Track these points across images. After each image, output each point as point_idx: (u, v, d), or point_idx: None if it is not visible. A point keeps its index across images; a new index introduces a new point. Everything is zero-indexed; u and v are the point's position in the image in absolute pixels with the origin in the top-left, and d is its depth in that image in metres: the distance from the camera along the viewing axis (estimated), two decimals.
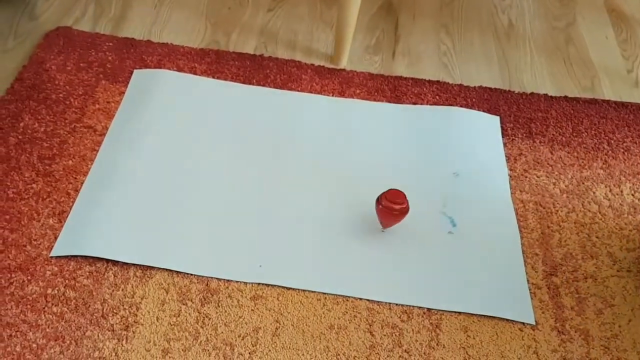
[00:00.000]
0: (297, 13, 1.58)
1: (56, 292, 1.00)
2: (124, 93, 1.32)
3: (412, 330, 1.00)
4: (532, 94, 1.39)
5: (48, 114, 1.26)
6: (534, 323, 1.02)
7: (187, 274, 1.04)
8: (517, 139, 1.29)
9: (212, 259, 1.06)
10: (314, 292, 1.04)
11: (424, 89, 1.38)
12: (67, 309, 0.99)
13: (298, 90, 1.36)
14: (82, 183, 1.15)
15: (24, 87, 1.31)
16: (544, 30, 1.58)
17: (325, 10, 1.60)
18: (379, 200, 1.09)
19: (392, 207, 1.07)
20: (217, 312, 1.00)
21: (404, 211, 1.08)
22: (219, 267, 1.05)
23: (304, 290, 1.04)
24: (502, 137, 1.29)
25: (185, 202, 1.14)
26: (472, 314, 1.02)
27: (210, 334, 0.97)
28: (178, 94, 1.33)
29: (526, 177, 1.23)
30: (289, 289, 1.04)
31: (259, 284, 1.04)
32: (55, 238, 1.07)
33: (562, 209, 1.18)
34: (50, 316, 0.98)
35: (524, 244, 1.12)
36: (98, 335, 0.96)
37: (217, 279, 1.04)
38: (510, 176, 1.22)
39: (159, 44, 1.44)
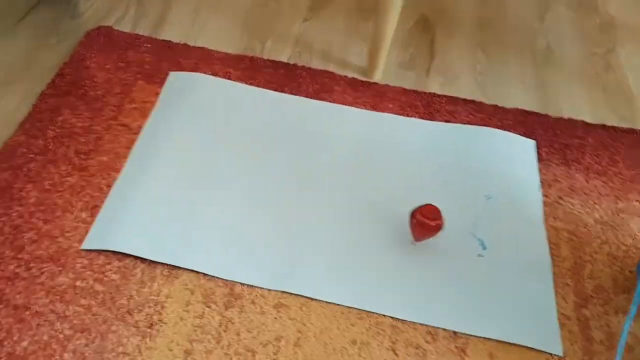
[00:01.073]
0: (333, 24, 1.59)
1: (85, 284, 1.01)
2: (159, 94, 1.33)
3: (437, 352, 0.99)
4: (569, 119, 1.37)
5: (86, 110, 1.28)
6: (561, 354, 1.00)
7: (213, 276, 1.04)
8: (552, 164, 1.28)
9: (238, 263, 1.07)
10: (338, 305, 1.03)
11: (458, 108, 1.37)
12: (95, 302, 1.00)
13: (330, 101, 1.36)
14: (115, 179, 1.16)
15: (65, 83, 1.33)
16: (582, 56, 1.57)
17: (362, 23, 1.60)
18: (413, 214, 1.08)
19: (426, 222, 1.06)
20: (240, 317, 1.00)
21: (438, 227, 1.07)
22: (244, 272, 1.05)
23: (327, 302, 1.03)
24: (537, 161, 1.28)
25: (214, 205, 1.14)
26: (499, 340, 1.01)
27: (233, 339, 0.97)
28: (211, 97, 1.33)
29: (560, 204, 1.21)
30: (312, 299, 1.03)
31: (282, 292, 1.04)
32: (87, 231, 1.08)
33: (595, 240, 1.16)
34: (78, 308, 0.99)
35: (555, 273, 1.10)
36: (123, 331, 0.97)
37: (241, 283, 1.04)
38: (544, 202, 1.21)
39: (196, 48, 1.46)
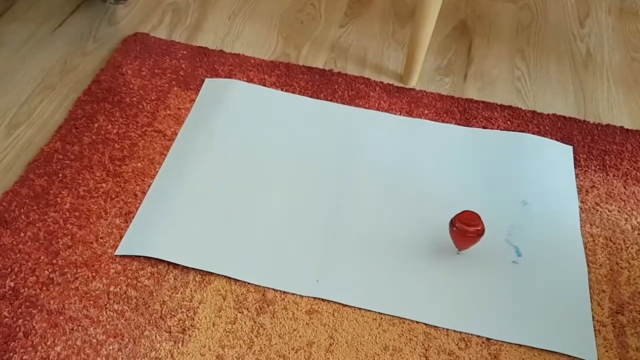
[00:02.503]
0: (369, 30, 1.58)
1: (118, 290, 1.03)
2: (194, 100, 1.34)
3: (469, 359, 0.97)
4: (607, 125, 1.35)
5: (121, 116, 1.29)
6: None
7: (245, 282, 1.05)
8: (589, 170, 1.25)
9: (270, 269, 1.07)
10: (370, 311, 1.02)
11: (495, 114, 1.35)
12: (128, 307, 1.01)
13: (365, 107, 1.35)
14: (149, 185, 1.17)
15: (100, 90, 1.35)
16: (622, 61, 1.54)
17: (398, 29, 1.59)
18: (452, 223, 1.07)
19: (466, 229, 1.05)
20: (272, 323, 1.00)
21: (479, 233, 1.06)
22: (277, 278, 1.05)
23: (360, 309, 1.03)
24: (575, 167, 1.25)
25: (247, 212, 1.15)
26: (532, 347, 0.99)
27: (264, 344, 0.97)
28: (247, 104, 1.34)
29: (597, 210, 1.18)
30: (344, 305, 1.03)
31: (315, 298, 1.03)
32: (121, 237, 1.09)
33: (632, 246, 1.13)
34: (112, 313, 1.00)
35: (591, 279, 1.08)
36: (155, 336, 0.97)
37: (273, 289, 1.04)
38: (581, 208, 1.18)
39: (231, 54, 1.46)
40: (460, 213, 1.07)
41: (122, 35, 1.50)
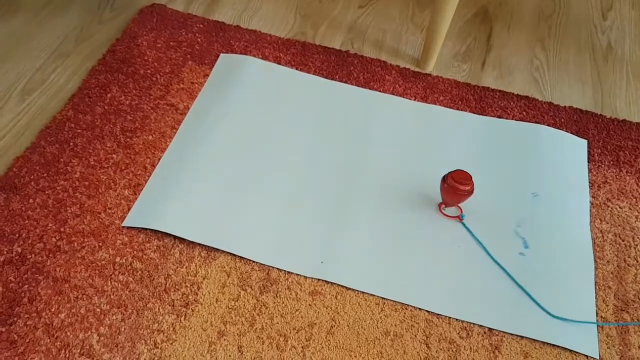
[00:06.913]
0: (388, 12, 1.57)
1: (124, 261, 1.03)
2: (208, 75, 1.34)
3: (470, 348, 0.97)
4: (624, 121, 1.33)
5: (135, 88, 1.29)
6: (597, 358, 0.98)
7: (250, 260, 1.05)
8: (603, 165, 1.24)
9: (276, 249, 1.07)
10: (373, 295, 1.02)
11: (511, 103, 1.34)
12: (133, 279, 1.01)
13: (380, 91, 1.34)
14: (159, 159, 1.18)
15: (115, 60, 1.34)
16: None
17: (418, 13, 1.57)
18: (444, 179, 1.09)
19: (457, 187, 1.07)
20: (274, 302, 1.00)
21: (469, 192, 1.08)
22: (281, 257, 1.06)
23: (363, 293, 1.03)
24: (588, 162, 1.24)
25: (256, 190, 1.15)
26: (534, 340, 0.99)
27: (266, 323, 0.98)
28: (260, 81, 1.33)
29: (608, 206, 1.17)
30: (348, 288, 1.03)
31: (318, 279, 1.04)
32: (129, 209, 1.10)
33: None
34: (116, 284, 1.00)
35: (597, 275, 1.07)
36: (159, 309, 0.98)
37: (278, 269, 1.04)
38: (592, 203, 1.17)
39: (248, 31, 1.45)
40: (453, 171, 1.08)
41: (140, 5, 1.49)
